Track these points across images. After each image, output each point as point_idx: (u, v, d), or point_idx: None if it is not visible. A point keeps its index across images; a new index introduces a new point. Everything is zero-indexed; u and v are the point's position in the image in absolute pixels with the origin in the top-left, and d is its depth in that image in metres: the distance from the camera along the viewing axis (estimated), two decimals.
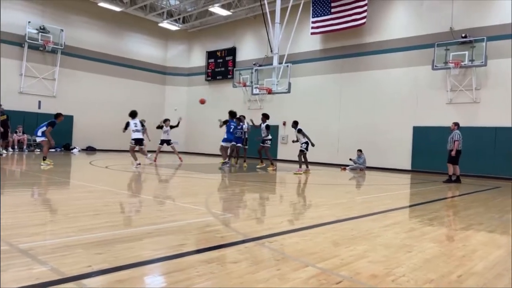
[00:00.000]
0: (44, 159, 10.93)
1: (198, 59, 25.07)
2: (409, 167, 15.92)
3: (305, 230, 4.39)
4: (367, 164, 15.70)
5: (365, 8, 16.66)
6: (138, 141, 11.69)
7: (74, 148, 19.47)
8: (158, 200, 6.32)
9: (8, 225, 3.90)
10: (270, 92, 14.47)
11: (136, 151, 11.83)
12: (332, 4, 17.63)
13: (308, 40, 19.19)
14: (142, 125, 12.25)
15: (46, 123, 10.96)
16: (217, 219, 4.83)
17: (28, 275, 2.58)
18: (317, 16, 18.12)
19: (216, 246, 3.54)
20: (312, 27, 18.38)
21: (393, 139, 16.37)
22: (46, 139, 10.86)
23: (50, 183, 8.01)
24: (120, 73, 22.66)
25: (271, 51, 14.52)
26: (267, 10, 14.59)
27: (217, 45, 23.75)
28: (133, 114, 11.64)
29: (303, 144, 12.69)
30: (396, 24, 16.75)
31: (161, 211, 5.35)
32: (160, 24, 23.38)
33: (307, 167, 12.97)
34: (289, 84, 13.76)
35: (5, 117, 15.04)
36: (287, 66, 13.80)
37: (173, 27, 23.99)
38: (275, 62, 14.25)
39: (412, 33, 16.22)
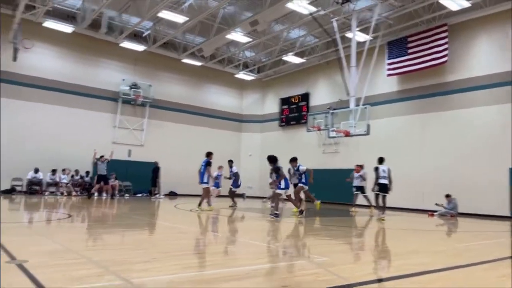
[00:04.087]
0: (199, 205, 11.47)
1: (271, 106, 25.80)
2: (507, 213, 14.31)
3: (412, 277, 4.07)
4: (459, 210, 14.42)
5: (446, 46, 16.12)
6: (383, 187, 11.90)
7: (157, 193, 20.30)
8: (248, 242, 6.35)
9: (118, 261, 4.17)
10: (347, 134, 14.29)
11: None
12: (409, 45, 17.36)
13: (384, 81, 18.89)
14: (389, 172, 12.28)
15: (203, 165, 11.49)
16: (311, 262, 4.69)
17: None
18: (393, 58, 17.90)
19: None
20: (388, 69, 18.14)
21: (485, 182, 14.96)
22: (208, 186, 11.56)
23: (145, 224, 8.48)
24: (200, 122, 24.04)
25: (348, 94, 14.54)
26: (343, 55, 14.78)
27: (291, 92, 24.32)
28: (380, 160, 12.32)
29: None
30: (480, 61, 15.87)
31: (250, 253, 5.36)
32: (236, 75, 24.72)
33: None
34: (368, 126, 13.52)
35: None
36: (365, 108, 13.62)
37: (248, 77, 25.20)
38: (352, 104, 14.19)
39: (497, 69, 15.20)
